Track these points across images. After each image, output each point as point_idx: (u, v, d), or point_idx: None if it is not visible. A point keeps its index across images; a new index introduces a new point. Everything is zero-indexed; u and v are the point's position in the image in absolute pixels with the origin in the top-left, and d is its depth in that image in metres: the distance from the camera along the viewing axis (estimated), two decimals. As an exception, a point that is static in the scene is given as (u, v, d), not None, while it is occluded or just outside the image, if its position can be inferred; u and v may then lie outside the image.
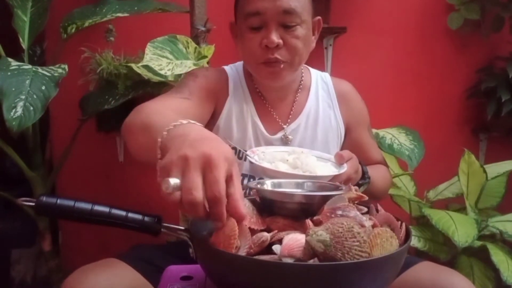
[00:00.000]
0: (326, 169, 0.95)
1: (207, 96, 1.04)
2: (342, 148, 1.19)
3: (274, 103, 1.12)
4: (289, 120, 1.12)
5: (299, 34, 0.99)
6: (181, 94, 0.99)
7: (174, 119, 0.65)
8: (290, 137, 1.10)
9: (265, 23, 0.97)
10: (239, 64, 1.16)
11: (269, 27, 0.97)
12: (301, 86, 1.14)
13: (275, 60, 0.99)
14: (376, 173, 1.11)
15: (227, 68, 1.15)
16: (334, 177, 0.89)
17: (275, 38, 0.96)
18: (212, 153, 0.53)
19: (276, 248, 0.61)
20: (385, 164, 1.26)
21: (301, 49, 1.01)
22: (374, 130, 1.56)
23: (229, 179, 0.55)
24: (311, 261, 0.59)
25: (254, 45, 0.99)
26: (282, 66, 1.00)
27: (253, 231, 0.65)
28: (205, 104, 1.03)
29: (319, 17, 1.06)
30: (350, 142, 1.19)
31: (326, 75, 1.20)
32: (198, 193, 0.52)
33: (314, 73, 1.19)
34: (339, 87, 1.18)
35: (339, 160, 0.97)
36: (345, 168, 0.94)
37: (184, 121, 0.64)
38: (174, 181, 0.52)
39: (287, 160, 0.94)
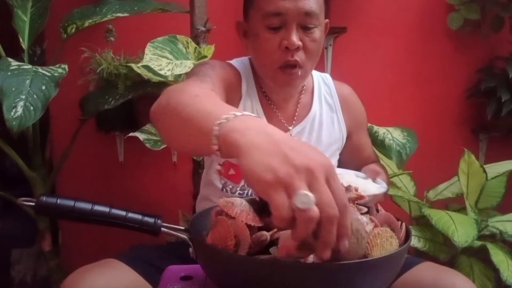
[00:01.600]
0: (372, 186, 0.93)
1: (224, 89, 0.94)
2: (342, 151, 1.20)
3: (279, 104, 1.11)
4: (294, 122, 1.11)
5: (316, 37, 0.98)
6: (206, 84, 0.84)
7: (223, 107, 0.58)
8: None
9: (285, 24, 0.95)
10: (245, 59, 1.12)
11: (289, 28, 0.94)
12: (304, 87, 1.14)
13: (294, 63, 0.97)
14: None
15: (236, 64, 1.09)
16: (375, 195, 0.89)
17: (296, 39, 0.94)
18: (327, 162, 0.48)
19: (273, 250, 0.61)
20: (378, 160, 1.27)
21: (317, 53, 1.00)
22: (368, 124, 1.56)
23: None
24: (311, 261, 0.59)
25: (273, 46, 0.96)
26: (299, 72, 0.99)
27: (250, 228, 0.65)
28: (223, 97, 0.91)
29: (327, 20, 1.05)
30: (350, 145, 1.20)
31: (327, 77, 1.19)
32: (335, 208, 0.46)
33: (315, 74, 1.19)
34: (341, 91, 1.18)
35: (374, 176, 0.97)
36: (385, 185, 0.93)
37: (246, 113, 0.56)
38: (311, 195, 0.45)
39: None
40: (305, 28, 0.96)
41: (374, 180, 0.97)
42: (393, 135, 1.53)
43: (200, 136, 0.57)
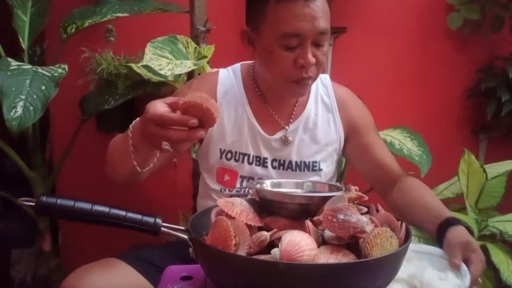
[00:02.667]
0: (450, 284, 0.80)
1: None
2: (345, 155, 1.19)
3: (275, 105, 1.12)
4: (290, 121, 1.12)
5: (326, 50, 1.01)
6: None
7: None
8: (290, 138, 1.10)
9: (302, 43, 0.96)
10: (236, 66, 1.15)
11: (305, 47, 0.96)
12: None
13: (308, 78, 1.00)
14: (433, 197, 1.09)
15: (222, 71, 1.14)
16: None
17: (311, 57, 0.96)
18: (146, 116, 0.73)
19: (275, 252, 0.61)
20: (399, 168, 1.18)
21: (325, 63, 1.03)
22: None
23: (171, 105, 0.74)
24: (311, 261, 0.59)
25: (288, 63, 0.98)
26: (310, 82, 1.02)
27: (250, 228, 0.65)
28: None
29: None
30: (357, 148, 1.17)
31: (326, 77, 1.20)
32: (174, 133, 0.71)
33: None
34: (339, 93, 1.18)
35: (455, 267, 0.82)
36: (468, 276, 0.79)
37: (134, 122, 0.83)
38: (166, 145, 0.72)
39: None
40: (317, 45, 0.98)
41: (455, 271, 0.82)
42: (408, 146, 1.55)
43: (127, 153, 0.83)
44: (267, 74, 1.05)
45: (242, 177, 1.09)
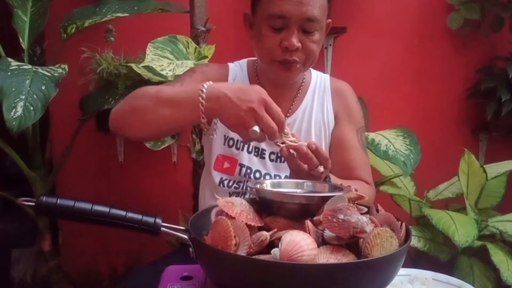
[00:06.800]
0: None
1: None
2: (329, 142, 1.16)
3: (276, 99, 1.12)
4: (288, 115, 1.14)
5: (316, 39, 1.02)
6: (171, 84, 1.05)
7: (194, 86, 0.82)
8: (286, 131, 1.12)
9: (287, 26, 0.99)
10: (243, 61, 1.19)
11: (291, 30, 0.99)
12: (302, 83, 1.17)
13: (293, 62, 1.01)
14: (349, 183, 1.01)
15: (231, 64, 1.18)
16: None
17: (296, 41, 0.99)
18: (261, 96, 0.77)
19: (275, 252, 0.61)
20: (369, 179, 1.15)
21: (316, 52, 1.04)
22: (370, 134, 1.54)
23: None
24: (311, 261, 0.59)
25: (273, 44, 1.01)
26: (297, 66, 1.03)
27: (250, 228, 0.65)
28: None
29: (330, 20, 1.08)
30: (333, 136, 1.16)
31: (326, 76, 1.22)
32: (274, 125, 0.76)
33: (315, 73, 1.21)
34: (335, 84, 1.20)
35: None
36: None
37: (207, 83, 0.80)
38: (256, 128, 0.76)
39: None
40: (306, 32, 1.00)
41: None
42: (396, 146, 1.53)
43: (186, 105, 0.81)
44: (258, 55, 1.09)
45: (241, 166, 1.11)
